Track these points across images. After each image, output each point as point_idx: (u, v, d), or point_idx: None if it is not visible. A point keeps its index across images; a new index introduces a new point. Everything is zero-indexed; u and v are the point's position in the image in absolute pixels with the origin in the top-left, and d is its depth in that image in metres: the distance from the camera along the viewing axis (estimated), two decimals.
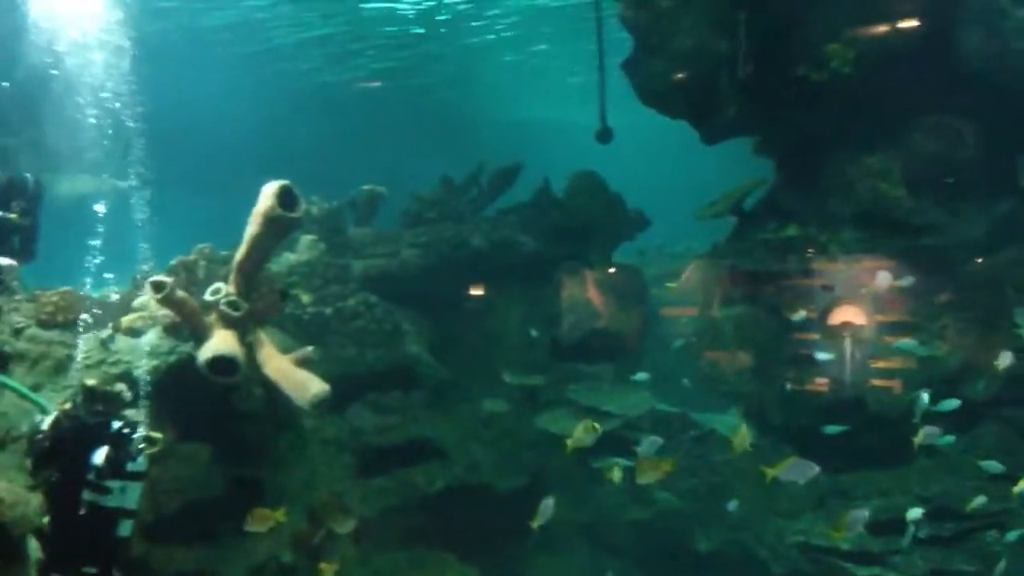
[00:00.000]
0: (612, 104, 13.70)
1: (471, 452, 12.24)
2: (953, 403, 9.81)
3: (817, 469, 8.57)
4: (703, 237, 14.47)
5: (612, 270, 14.84)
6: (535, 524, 9.08)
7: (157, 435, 6.81)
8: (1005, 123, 10.60)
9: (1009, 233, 11.14)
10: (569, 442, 9.37)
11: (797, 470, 8.67)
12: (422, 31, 21.78)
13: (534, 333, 13.49)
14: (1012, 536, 9.78)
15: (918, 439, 9.45)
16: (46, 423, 6.60)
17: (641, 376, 12.67)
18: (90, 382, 6.77)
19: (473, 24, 21.61)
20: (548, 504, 9.06)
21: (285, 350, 9.13)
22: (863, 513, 9.21)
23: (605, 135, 13.77)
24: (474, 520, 11.44)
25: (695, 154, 14.62)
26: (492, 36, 22.41)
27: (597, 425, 9.40)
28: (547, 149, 20.81)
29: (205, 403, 8.74)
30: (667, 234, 18.66)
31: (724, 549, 12.03)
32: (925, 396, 9.71)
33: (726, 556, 11.94)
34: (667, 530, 12.51)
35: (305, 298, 11.43)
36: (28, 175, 9.73)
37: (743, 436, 10.02)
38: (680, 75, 11.97)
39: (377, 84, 26.07)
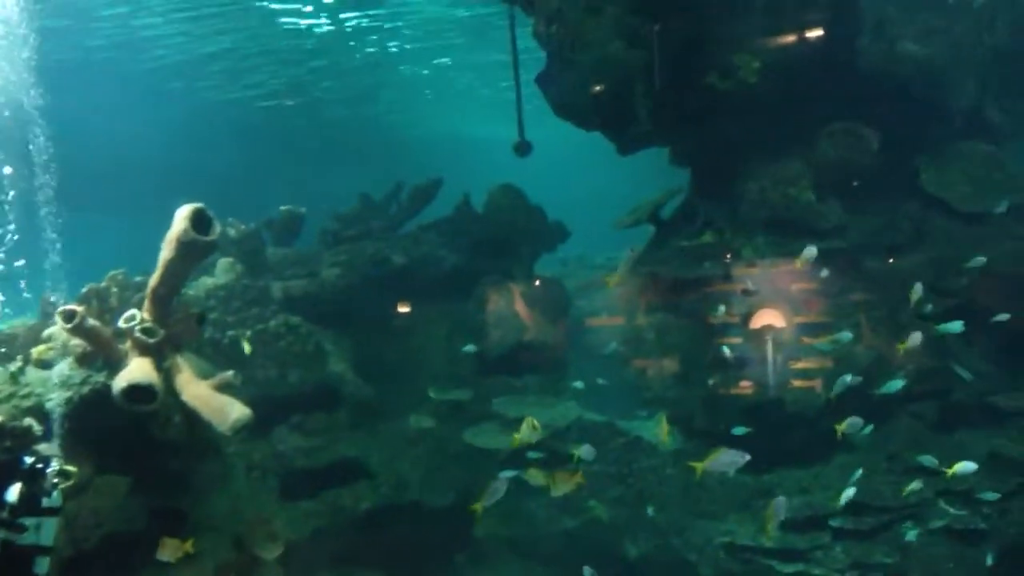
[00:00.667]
0: (529, 117, 13.82)
1: (398, 470, 12.14)
2: (897, 384, 10.18)
3: (747, 457, 8.69)
4: (622, 247, 14.65)
5: (535, 282, 14.92)
6: (479, 506, 9.06)
7: (71, 469, 6.62)
8: (904, 126, 11.02)
9: (915, 232, 11.56)
10: (517, 437, 9.61)
11: (726, 460, 8.81)
12: (322, 43, 21.61)
13: (471, 348, 13.38)
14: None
15: (842, 427, 9.71)
16: None
17: (577, 384, 12.75)
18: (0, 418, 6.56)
19: (375, 38, 21.56)
20: (501, 482, 9.06)
21: (205, 375, 8.96)
22: (781, 500, 9.40)
23: (524, 148, 13.85)
24: (404, 538, 11.36)
25: (612, 165, 14.83)
26: (395, 49, 22.36)
27: (537, 423, 9.53)
28: (466, 165, 20.88)
29: (122, 433, 8.52)
30: (588, 245, 18.85)
31: (653, 554, 12.13)
32: (847, 377, 10.01)
33: (655, 561, 12.04)
34: (597, 539, 12.58)
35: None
36: None
37: (665, 429, 10.21)
38: (594, 88, 12.14)
39: (289, 103, 25.81)
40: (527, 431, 9.61)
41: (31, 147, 8.49)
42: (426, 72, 24.22)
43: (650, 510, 11.48)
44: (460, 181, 15.18)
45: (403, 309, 13.83)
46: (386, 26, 20.72)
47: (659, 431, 10.26)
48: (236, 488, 10.01)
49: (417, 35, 21.43)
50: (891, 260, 11.61)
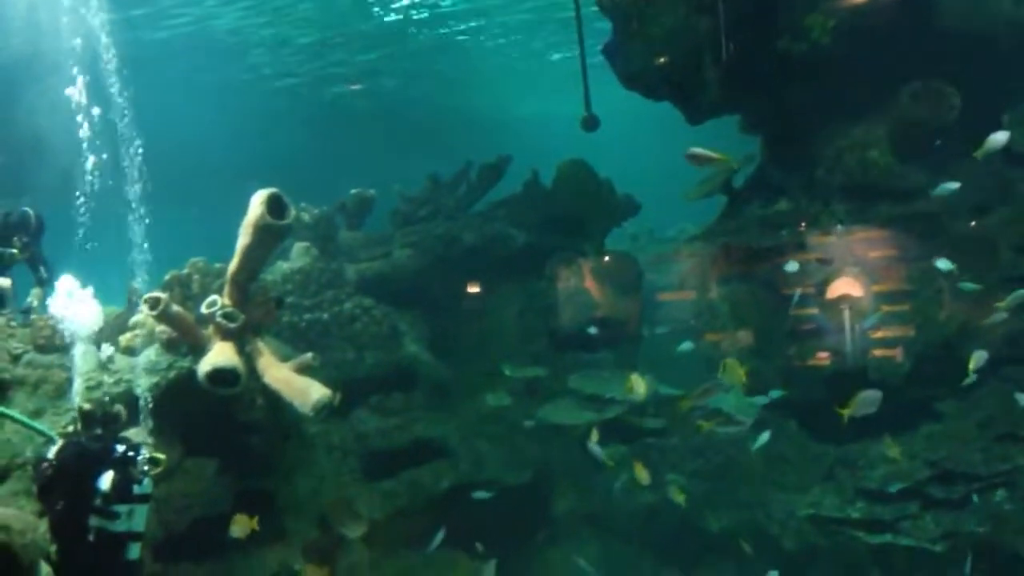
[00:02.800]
0: (596, 91, 13.64)
1: (476, 448, 12.20)
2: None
3: (880, 394, 8.93)
4: (694, 219, 14.47)
5: (606, 258, 14.81)
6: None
7: (161, 456, 6.75)
8: (987, 82, 10.60)
9: (999, 193, 11.14)
10: (629, 387, 10.23)
11: (868, 400, 8.93)
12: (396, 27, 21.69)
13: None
14: None
15: (972, 364, 9.51)
16: (51, 450, 6.54)
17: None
18: (87, 406, 6.71)
19: (448, 20, 21.55)
20: None
21: (284, 358, 9.09)
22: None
23: (591, 123, 13.68)
24: (483, 516, 11.41)
25: (681, 136, 14.59)
26: (464, 28, 22.32)
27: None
28: (534, 142, 20.78)
29: (207, 417, 8.70)
30: (658, 218, 18.63)
31: (734, 528, 12.02)
32: (984, 353, 9.67)
33: (737, 535, 11.93)
34: (676, 513, 12.49)
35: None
36: (29, 210, 9.87)
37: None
38: (661, 57, 11.92)
39: (358, 87, 25.98)
40: (636, 387, 9.87)
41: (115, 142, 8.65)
42: (491, 49, 24.12)
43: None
44: (528, 159, 15.09)
45: (475, 288, 13.85)
46: (448, 8, 20.71)
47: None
48: (318, 469, 10.15)
49: (481, 12, 21.35)
50: (975, 222, 11.22)
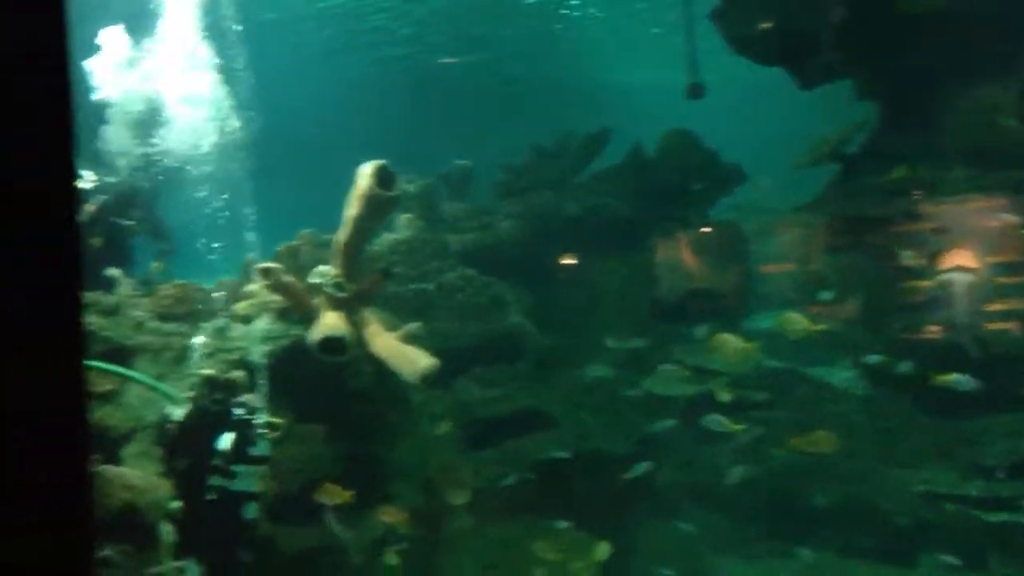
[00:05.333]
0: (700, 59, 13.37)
1: (579, 419, 12.19)
2: None
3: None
4: (802, 188, 14.08)
5: (709, 228, 14.57)
6: None
7: (278, 420, 6.95)
8: None
9: None
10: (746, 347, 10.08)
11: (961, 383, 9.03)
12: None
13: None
14: None
15: None
16: (177, 413, 6.80)
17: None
18: (210, 371, 6.94)
19: None
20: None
21: (391, 328, 9.22)
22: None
23: (697, 90, 13.42)
24: (586, 487, 11.41)
25: (790, 103, 14.23)
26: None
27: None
28: (636, 112, 20.52)
29: (317, 384, 8.90)
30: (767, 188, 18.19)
31: (842, 503, 11.75)
32: None
33: (845, 510, 11.67)
34: (780, 487, 12.28)
35: None
36: (144, 183, 10.19)
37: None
38: (771, 19, 11.61)
39: (454, 60, 26.06)
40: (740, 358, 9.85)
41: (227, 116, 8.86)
42: (593, 18, 23.87)
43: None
44: (630, 130, 14.92)
45: (577, 259, 13.80)
46: None
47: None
48: (423, 437, 10.30)
49: None
50: None
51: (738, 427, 10.33)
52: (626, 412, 12.50)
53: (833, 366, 13.63)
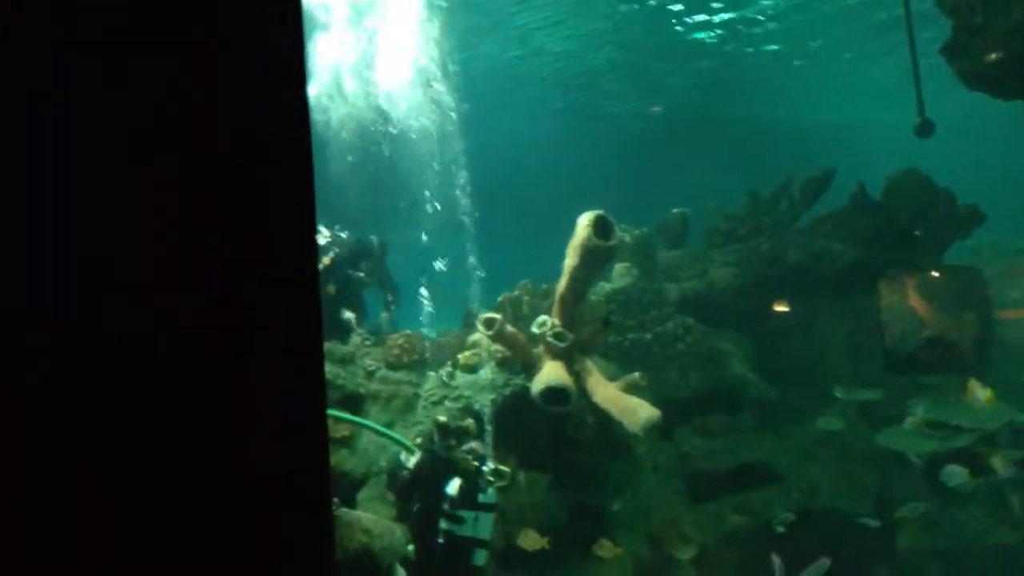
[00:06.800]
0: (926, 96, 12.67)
1: (808, 474, 11.65)
2: None
3: None
4: None
5: (943, 273, 13.66)
6: None
7: (506, 468, 7.05)
8: None
9: None
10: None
11: None
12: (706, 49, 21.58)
13: None
14: None
15: None
16: (411, 460, 7.04)
17: None
18: (442, 418, 7.15)
19: (758, 33, 21.11)
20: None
21: (611, 377, 9.20)
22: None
23: (926, 128, 12.68)
24: (818, 546, 10.83)
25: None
26: (776, 45, 21.74)
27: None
28: (856, 153, 19.72)
29: (540, 433, 8.98)
30: (1006, 229, 16.94)
31: None
32: None
33: None
34: None
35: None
36: (373, 237, 10.82)
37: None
38: (1007, 51, 10.85)
39: (657, 109, 26.15)
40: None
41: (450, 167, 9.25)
42: (802, 60, 23.33)
43: None
44: (851, 171, 14.31)
45: (800, 307, 13.28)
46: (757, 18, 20.28)
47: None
48: (646, 488, 10.16)
49: (789, 23, 20.72)
50: None
51: (974, 478, 9.52)
52: (858, 468, 11.85)
53: None
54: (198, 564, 1.23)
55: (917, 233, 13.59)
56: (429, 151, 9.56)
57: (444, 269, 9.13)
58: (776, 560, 8.80)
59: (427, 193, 9.69)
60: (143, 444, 1.19)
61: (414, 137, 9.71)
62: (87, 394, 1.16)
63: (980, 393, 9.74)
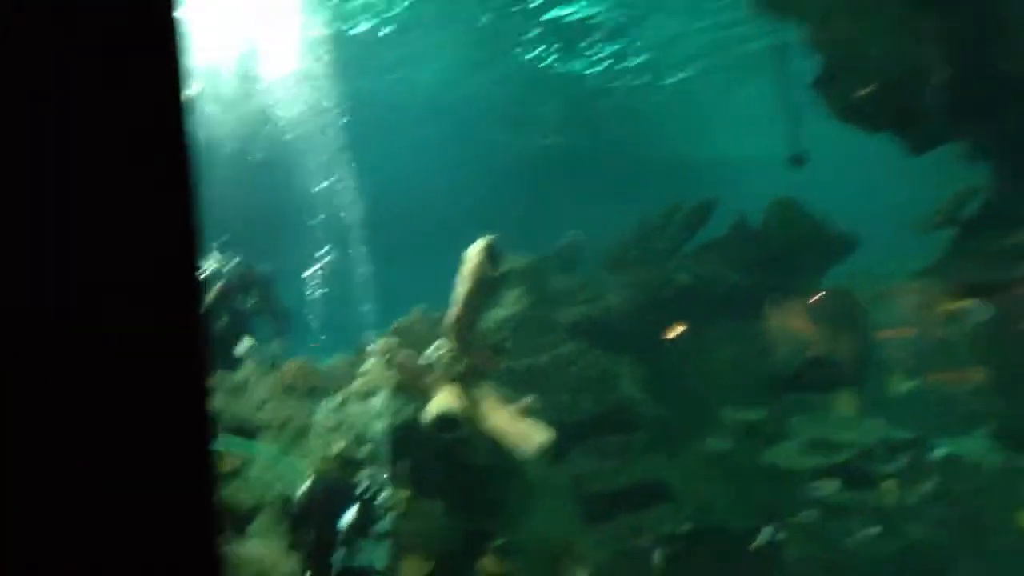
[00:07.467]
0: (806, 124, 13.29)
1: (699, 492, 11.96)
2: None
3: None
4: (916, 254, 13.71)
5: (822, 296, 14.29)
6: None
7: (401, 495, 7.08)
8: None
9: None
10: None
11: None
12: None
13: None
14: None
15: None
16: (301, 489, 7.00)
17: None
18: (335, 448, 7.14)
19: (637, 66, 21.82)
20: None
21: (505, 403, 9.31)
22: None
23: (798, 160, 13.32)
24: (710, 562, 11.13)
25: (894, 168, 13.98)
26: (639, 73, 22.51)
27: None
28: (735, 185, 20.43)
29: (434, 459, 9.02)
30: (878, 255, 17.80)
31: None
32: None
33: None
34: (919, 564, 11.70)
35: None
36: (260, 268, 10.71)
37: None
38: (876, 86, 11.48)
39: (549, 141, 26.68)
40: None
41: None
42: (679, 91, 24.14)
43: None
44: (732, 202, 14.88)
45: (689, 329, 13.69)
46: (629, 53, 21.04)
47: None
48: (540, 511, 10.27)
49: (662, 56, 21.50)
50: None
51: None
52: (749, 485, 12.22)
53: (966, 435, 13.03)
54: None
55: (807, 255, 14.17)
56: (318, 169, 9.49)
57: (333, 294, 9.09)
58: None
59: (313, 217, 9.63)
60: None
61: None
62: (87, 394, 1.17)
63: (850, 408, 10.20)
